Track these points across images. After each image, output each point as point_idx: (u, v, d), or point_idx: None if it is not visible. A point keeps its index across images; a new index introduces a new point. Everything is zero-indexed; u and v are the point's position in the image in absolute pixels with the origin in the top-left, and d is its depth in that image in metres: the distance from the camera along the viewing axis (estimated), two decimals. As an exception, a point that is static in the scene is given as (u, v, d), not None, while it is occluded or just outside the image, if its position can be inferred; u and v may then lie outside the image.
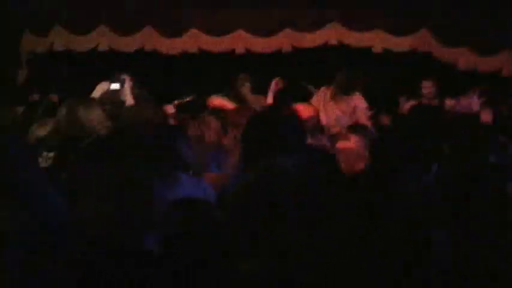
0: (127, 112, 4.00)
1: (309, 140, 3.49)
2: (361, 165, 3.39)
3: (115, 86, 4.86)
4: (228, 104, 4.94)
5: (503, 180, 2.58)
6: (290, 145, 2.59)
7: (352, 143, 3.59)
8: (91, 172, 1.89)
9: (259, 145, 2.55)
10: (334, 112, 5.22)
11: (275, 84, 5.12)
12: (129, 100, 5.07)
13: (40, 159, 3.50)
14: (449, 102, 5.63)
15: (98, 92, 4.87)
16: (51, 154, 3.43)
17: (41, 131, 4.29)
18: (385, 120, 5.42)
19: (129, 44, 6.52)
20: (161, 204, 1.78)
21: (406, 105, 6.12)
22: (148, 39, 6.47)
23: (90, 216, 1.71)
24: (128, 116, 3.93)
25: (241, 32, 6.39)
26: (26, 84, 6.80)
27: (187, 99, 5.88)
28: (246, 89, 5.60)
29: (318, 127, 4.15)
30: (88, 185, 1.80)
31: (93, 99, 4.32)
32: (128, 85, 5.10)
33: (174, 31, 6.46)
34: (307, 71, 6.88)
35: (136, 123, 3.78)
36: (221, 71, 7.24)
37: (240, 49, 6.42)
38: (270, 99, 5.04)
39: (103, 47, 6.54)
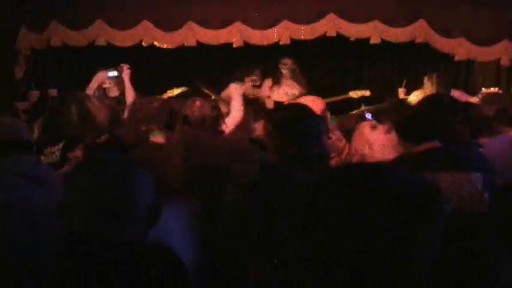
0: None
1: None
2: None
3: (113, 73, 4.86)
4: None
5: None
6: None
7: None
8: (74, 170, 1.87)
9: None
10: None
11: None
12: (128, 88, 5.06)
13: (43, 157, 3.48)
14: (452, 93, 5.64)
15: (95, 82, 4.87)
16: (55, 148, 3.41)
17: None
18: None
19: (126, 38, 6.49)
20: (144, 197, 1.76)
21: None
22: (146, 33, 6.44)
23: (74, 212, 1.71)
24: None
25: (239, 25, 6.37)
26: (24, 81, 6.78)
27: (180, 90, 5.88)
28: None
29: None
30: (73, 182, 1.79)
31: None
32: (126, 73, 5.10)
33: (172, 25, 6.43)
34: (305, 62, 6.90)
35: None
36: (219, 63, 7.25)
37: (238, 42, 6.39)
38: None
39: (100, 41, 6.51)
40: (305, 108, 3.01)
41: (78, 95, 3.72)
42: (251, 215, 1.55)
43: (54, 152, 3.48)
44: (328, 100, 6.23)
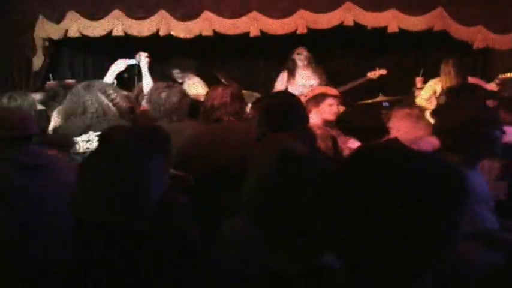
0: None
1: None
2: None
3: (132, 61, 4.93)
4: None
5: None
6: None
7: None
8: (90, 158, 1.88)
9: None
10: None
11: None
12: (146, 77, 5.08)
13: (77, 146, 3.50)
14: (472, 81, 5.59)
15: (113, 71, 4.89)
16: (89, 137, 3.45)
17: (60, 119, 4.30)
18: None
19: (143, 28, 6.50)
20: (156, 187, 1.77)
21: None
22: (163, 23, 6.44)
23: (88, 201, 1.72)
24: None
25: (255, 14, 6.34)
26: (42, 71, 6.82)
27: None
28: None
29: None
30: (87, 171, 1.80)
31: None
32: (144, 62, 5.14)
33: (189, 14, 6.43)
34: (323, 51, 6.87)
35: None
36: (236, 53, 7.25)
37: (254, 31, 6.37)
38: None
39: (117, 31, 6.52)
40: (292, 96, 3.17)
41: (101, 84, 3.74)
42: (268, 203, 1.54)
43: (77, 142, 3.52)
44: (348, 86, 6.24)
